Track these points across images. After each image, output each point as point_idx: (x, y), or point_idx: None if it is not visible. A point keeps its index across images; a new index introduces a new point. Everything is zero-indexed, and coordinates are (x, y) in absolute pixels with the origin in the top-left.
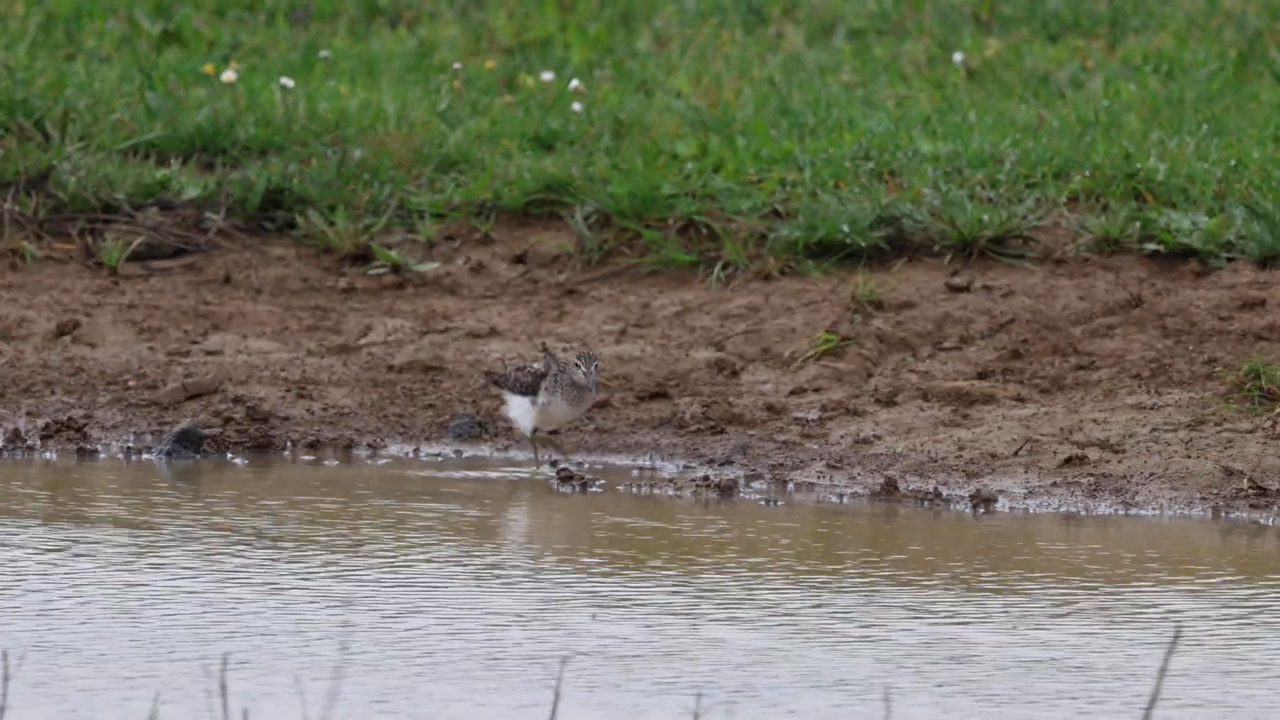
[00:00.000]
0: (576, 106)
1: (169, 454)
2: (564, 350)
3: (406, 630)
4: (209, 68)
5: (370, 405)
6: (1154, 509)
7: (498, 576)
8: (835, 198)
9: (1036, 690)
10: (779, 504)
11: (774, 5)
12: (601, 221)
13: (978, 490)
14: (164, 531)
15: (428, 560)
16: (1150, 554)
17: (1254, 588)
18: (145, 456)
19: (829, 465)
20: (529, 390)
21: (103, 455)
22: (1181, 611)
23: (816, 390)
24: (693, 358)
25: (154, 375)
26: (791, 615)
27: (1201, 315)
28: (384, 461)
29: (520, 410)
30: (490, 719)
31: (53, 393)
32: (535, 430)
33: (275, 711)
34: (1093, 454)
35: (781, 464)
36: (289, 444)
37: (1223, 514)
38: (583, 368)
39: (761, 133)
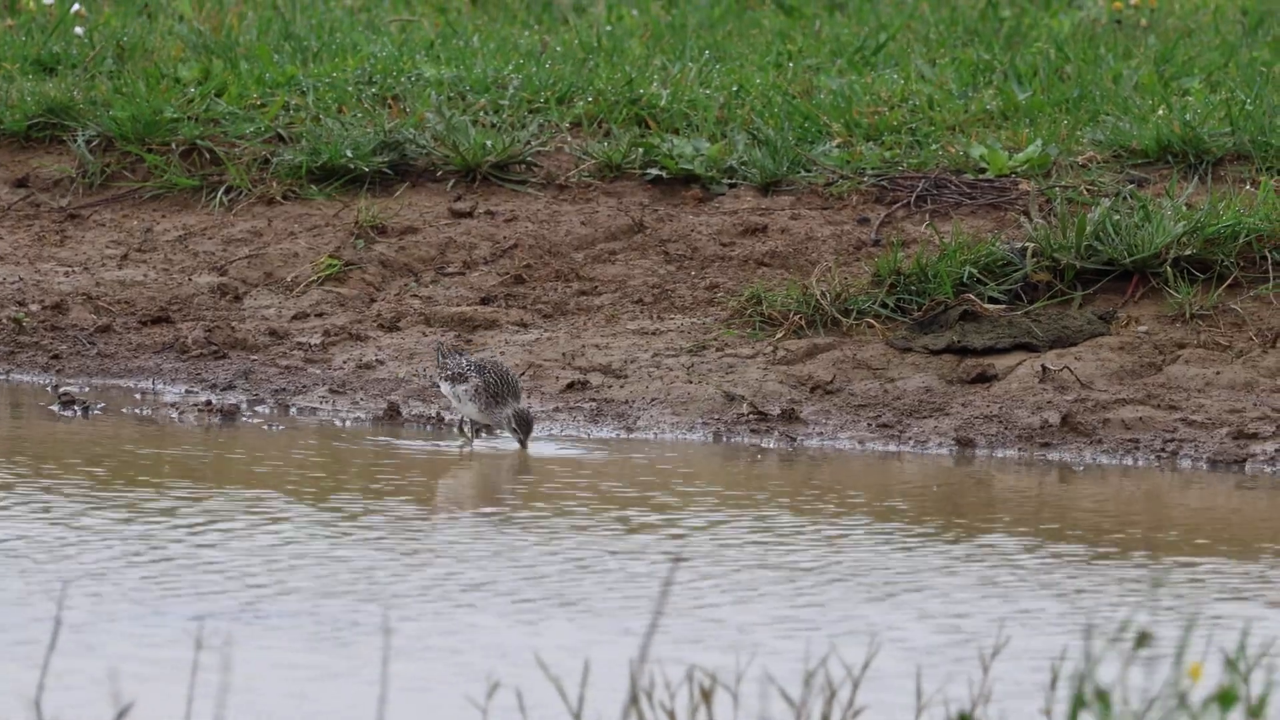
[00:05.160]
0: (78, 30)
1: None
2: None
3: None
4: None
5: None
6: (655, 433)
7: None
8: (338, 122)
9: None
10: (281, 428)
11: None
12: (104, 145)
13: None
14: None
15: None
16: (647, 478)
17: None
18: None
19: (331, 390)
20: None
21: None
22: (684, 532)
23: (319, 315)
24: (195, 282)
25: None
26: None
27: (703, 241)
28: None
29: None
30: None
31: None
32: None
33: None
34: (595, 379)
35: (284, 389)
36: None
37: (724, 438)
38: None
39: (265, 57)
